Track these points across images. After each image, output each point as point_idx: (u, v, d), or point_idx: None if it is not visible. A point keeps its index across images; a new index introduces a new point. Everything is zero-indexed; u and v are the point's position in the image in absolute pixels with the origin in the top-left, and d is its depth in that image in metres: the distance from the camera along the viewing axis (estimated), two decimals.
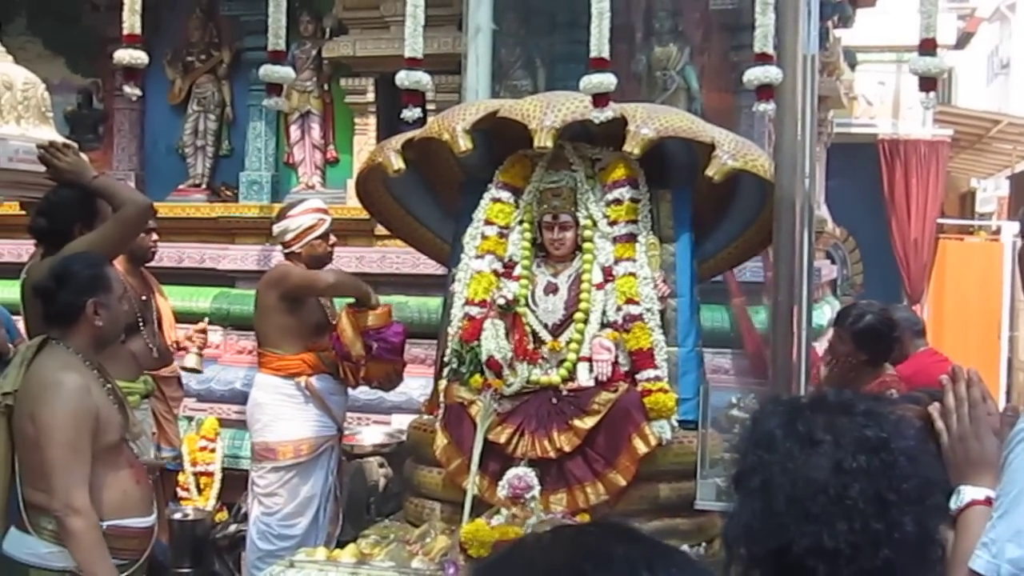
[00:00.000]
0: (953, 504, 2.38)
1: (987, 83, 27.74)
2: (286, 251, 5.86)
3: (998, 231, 15.53)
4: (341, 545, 4.88)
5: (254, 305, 5.87)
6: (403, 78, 4.43)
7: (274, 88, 4.51)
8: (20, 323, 5.21)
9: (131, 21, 4.40)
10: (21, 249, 7.56)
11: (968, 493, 2.36)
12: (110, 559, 3.80)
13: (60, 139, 5.24)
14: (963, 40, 20.97)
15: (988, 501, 2.31)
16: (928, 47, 3.72)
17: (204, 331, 6.52)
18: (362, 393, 6.38)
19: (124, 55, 4.38)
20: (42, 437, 3.77)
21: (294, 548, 5.15)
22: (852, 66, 13.34)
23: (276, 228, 5.88)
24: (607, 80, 3.91)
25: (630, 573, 1.18)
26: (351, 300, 5.79)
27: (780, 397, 2.07)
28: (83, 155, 5.05)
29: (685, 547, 4.16)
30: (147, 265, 6.39)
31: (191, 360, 6.37)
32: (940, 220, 14.53)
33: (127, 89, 4.52)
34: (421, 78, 4.46)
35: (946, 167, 14.69)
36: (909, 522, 1.85)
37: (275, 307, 5.68)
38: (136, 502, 4.01)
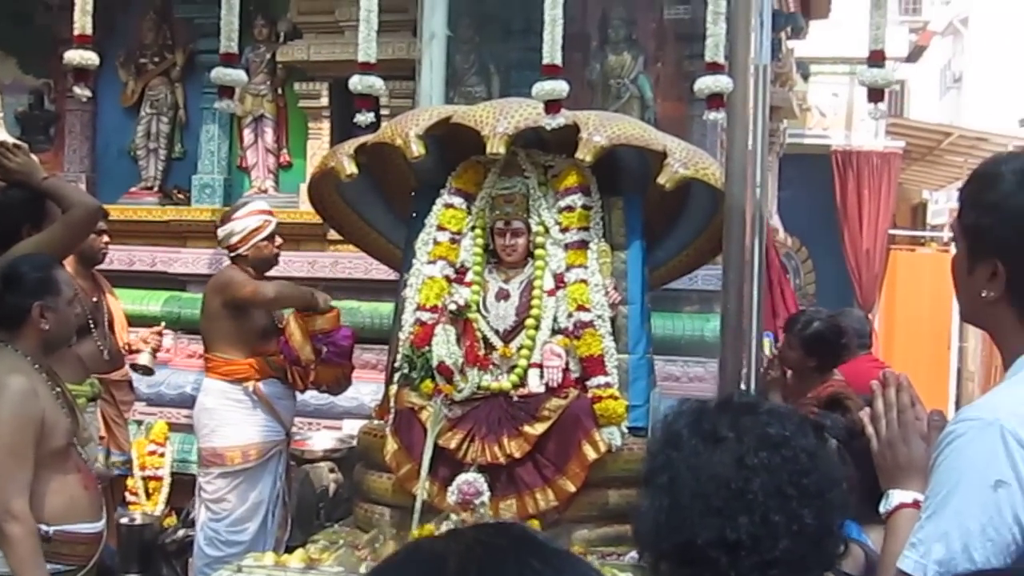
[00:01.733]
0: (882, 508, 2.43)
1: (940, 96, 28.06)
2: (232, 254, 5.82)
3: (949, 243, 15.67)
4: (290, 550, 4.85)
5: (200, 309, 5.83)
6: (356, 82, 4.42)
7: (226, 91, 4.48)
8: None
9: (82, 22, 4.35)
10: None
11: (896, 496, 2.40)
12: (45, 567, 3.75)
13: (10, 139, 5.19)
14: (916, 53, 21.19)
15: (916, 504, 2.33)
16: (877, 59, 3.76)
17: (160, 333, 6.48)
18: (313, 398, 6.36)
19: (74, 56, 4.34)
20: None
21: (242, 554, 5.12)
22: (805, 77, 13.48)
23: (221, 232, 5.84)
24: (559, 87, 3.92)
25: None
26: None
27: (690, 400, 2.11)
28: (34, 156, 4.99)
29: (634, 553, 4.17)
30: (98, 267, 6.33)
31: (144, 358, 6.31)
32: (892, 231, 14.67)
33: (77, 90, 4.47)
34: (374, 83, 4.45)
35: (898, 179, 14.82)
36: (808, 515, 1.92)
37: (219, 313, 5.66)
38: (84, 508, 3.97)
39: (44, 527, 3.79)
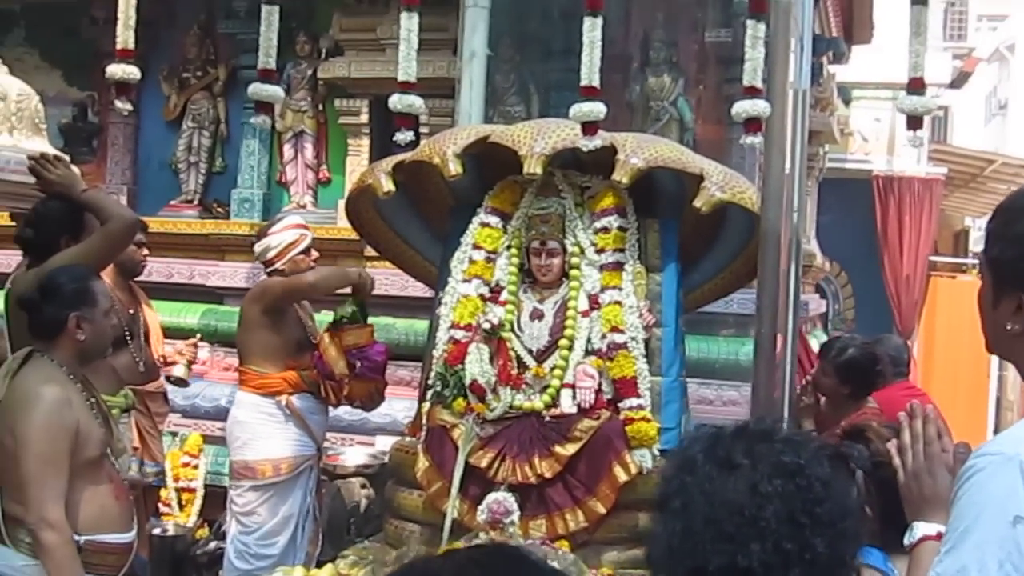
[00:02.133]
0: (906, 540, 2.44)
1: (985, 123, 27.87)
2: (269, 269, 5.85)
3: None
4: (320, 565, 4.86)
5: (237, 322, 5.85)
6: (396, 101, 4.45)
7: (263, 107, 4.51)
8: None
9: (124, 36, 4.39)
10: (9, 259, 7.54)
11: (920, 529, 2.41)
12: (82, 574, 3.79)
13: (52, 151, 5.25)
14: (960, 80, 21.06)
15: (939, 536, 2.32)
16: (916, 86, 3.74)
17: (196, 345, 6.52)
18: (346, 413, 6.38)
19: (116, 70, 4.38)
20: (19, 449, 3.76)
21: (271, 568, 5.13)
22: (846, 102, 13.40)
23: (258, 247, 5.87)
24: (596, 108, 3.92)
25: None
26: (334, 319, 5.77)
27: (707, 425, 2.11)
28: (76, 168, 5.04)
29: None
30: (136, 279, 6.38)
31: (179, 370, 6.35)
32: (932, 258, 14.56)
33: (118, 104, 4.50)
34: (414, 102, 4.47)
35: (940, 205, 14.72)
36: (820, 544, 1.91)
37: (258, 322, 5.65)
38: (115, 518, 3.99)
39: (76, 536, 3.81)
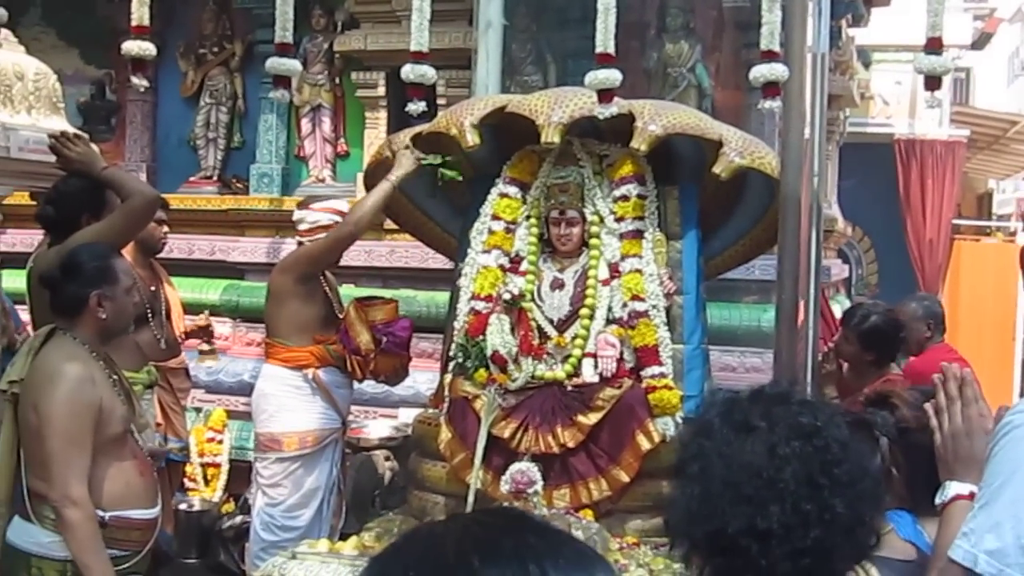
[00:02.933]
0: (938, 499, 2.46)
1: (1007, 84, 27.62)
2: (298, 239, 5.87)
3: (1014, 233, 15.47)
4: (344, 537, 4.88)
5: (266, 295, 5.84)
6: (408, 72, 4.44)
7: (281, 80, 4.51)
8: (24, 312, 5.21)
9: (140, 12, 4.40)
10: (32, 239, 7.57)
11: (953, 488, 2.42)
12: (104, 551, 3.80)
13: (71, 129, 5.25)
14: (982, 41, 20.85)
15: (972, 496, 2.35)
16: (934, 46, 3.71)
17: (207, 327, 6.54)
18: (369, 387, 6.38)
19: (132, 46, 4.39)
20: (43, 427, 3.78)
21: (297, 540, 5.15)
22: (866, 65, 13.28)
23: (296, 215, 5.91)
24: (612, 76, 3.91)
25: (518, 565, 1.18)
26: (359, 295, 5.75)
27: (724, 391, 2.11)
28: (94, 146, 5.05)
29: None
30: (157, 256, 6.40)
31: (208, 361, 6.47)
32: (956, 221, 14.47)
33: (135, 80, 4.52)
34: (426, 72, 4.46)
35: (962, 168, 14.61)
36: (839, 504, 1.91)
37: (291, 292, 5.59)
38: (139, 494, 4.01)
39: (100, 512, 3.83)
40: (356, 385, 5.94)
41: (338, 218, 5.76)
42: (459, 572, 1.17)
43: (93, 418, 3.82)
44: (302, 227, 5.79)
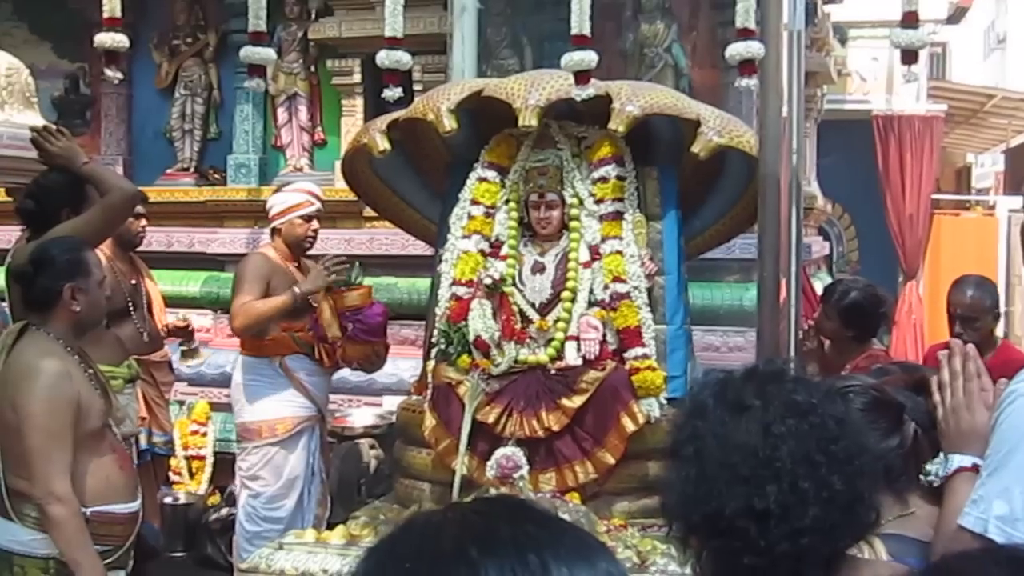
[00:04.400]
0: (941, 471, 2.47)
1: (984, 58, 27.67)
2: (269, 226, 5.88)
3: (994, 206, 15.51)
4: (331, 527, 4.87)
5: (231, 287, 5.84)
6: (383, 58, 4.41)
7: (256, 70, 4.47)
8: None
9: (111, 4, 4.36)
10: (10, 235, 7.53)
11: (956, 460, 2.43)
12: (92, 545, 3.79)
13: (45, 123, 5.22)
14: (957, 15, 20.87)
15: (974, 468, 2.37)
16: (910, 20, 3.70)
17: (186, 327, 6.50)
18: (352, 375, 6.37)
19: (105, 39, 4.35)
20: (22, 424, 3.75)
21: (281, 530, 5.15)
22: (842, 41, 13.30)
23: (269, 200, 5.95)
24: (588, 57, 3.88)
25: (516, 555, 1.16)
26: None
27: (716, 371, 2.08)
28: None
29: None
30: (137, 250, 6.36)
31: (192, 360, 6.45)
32: (935, 196, 14.49)
33: (108, 73, 4.47)
34: (401, 57, 4.44)
35: (941, 142, 14.63)
36: (838, 482, 1.89)
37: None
38: (120, 488, 3.99)
39: (82, 508, 3.81)
40: (340, 373, 5.92)
41: (308, 197, 5.80)
42: (457, 563, 1.16)
43: (72, 413, 3.80)
44: (272, 211, 5.80)
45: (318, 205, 5.89)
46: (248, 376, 5.67)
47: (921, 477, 2.58)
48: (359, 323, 5.58)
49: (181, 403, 7.63)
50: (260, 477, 5.60)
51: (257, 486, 5.61)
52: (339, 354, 5.61)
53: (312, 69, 8.53)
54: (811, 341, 5.66)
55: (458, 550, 1.17)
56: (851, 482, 1.90)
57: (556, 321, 4.65)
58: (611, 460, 4.46)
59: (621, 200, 4.73)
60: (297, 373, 5.63)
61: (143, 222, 6.23)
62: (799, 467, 1.88)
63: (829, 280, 9.83)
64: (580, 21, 3.86)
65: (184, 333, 6.45)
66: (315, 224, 5.89)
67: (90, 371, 4.04)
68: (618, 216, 4.71)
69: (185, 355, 6.52)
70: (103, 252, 5.38)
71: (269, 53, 4.52)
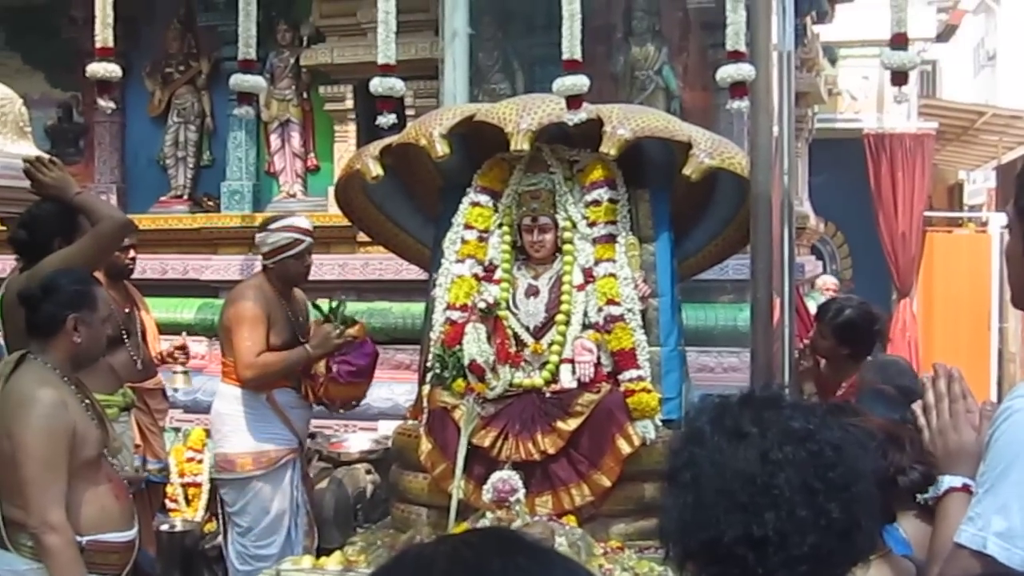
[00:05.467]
0: (932, 492, 2.48)
1: (974, 75, 27.80)
2: (263, 262, 5.78)
3: (986, 223, 15.55)
4: (328, 552, 4.86)
5: (220, 315, 5.80)
6: (377, 85, 4.43)
7: (245, 98, 4.50)
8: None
9: (104, 35, 4.38)
10: (4, 264, 7.54)
11: (946, 481, 2.44)
12: (87, 575, 3.78)
13: (38, 154, 5.23)
14: (947, 33, 20.98)
15: (965, 488, 2.38)
16: (899, 42, 3.73)
17: (183, 347, 6.49)
18: None
19: (98, 68, 4.38)
20: (18, 454, 3.75)
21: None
22: (832, 61, 13.35)
23: (257, 237, 5.77)
24: (579, 82, 3.91)
25: None
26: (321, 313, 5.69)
27: (713, 396, 2.08)
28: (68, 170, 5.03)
29: None
30: (130, 278, 6.36)
31: (179, 381, 6.41)
32: (928, 213, 14.54)
33: (101, 102, 4.51)
34: (395, 84, 4.46)
35: (932, 160, 14.68)
36: (835, 509, 1.88)
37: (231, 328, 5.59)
38: (116, 517, 3.99)
39: (78, 538, 3.81)
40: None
41: (299, 236, 5.64)
42: None
43: (68, 443, 3.79)
44: (264, 249, 5.67)
45: (309, 241, 5.73)
46: (232, 406, 5.58)
47: (918, 496, 2.60)
48: (345, 363, 5.52)
49: (177, 430, 7.61)
50: (246, 512, 5.53)
51: (244, 522, 5.56)
52: (321, 392, 5.57)
53: (304, 95, 8.56)
54: (807, 360, 5.67)
55: None
56: (848, 509, 1.89)
57: (551, 344, 4.65)
58: (607, 482, 4.45)
59: (614, 223, 4.75)
60: (282, 406, 5.58)
61: (131, 253, 6.21)
62: (797, 495, 1.87)
63: (822, 299, 9.85)
64: (571, 46, 3.89)
65: (181, 352, 6.42)
66: (309, 260, 5.78)
67: (87, 401, 4.04)
68: (611, 239, 4.73)
69: (175, 374, 6.50)
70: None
71: (259, 81, 4.54)
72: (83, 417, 3.92)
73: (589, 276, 4.72)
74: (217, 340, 8.01)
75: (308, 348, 5.46)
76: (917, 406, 2.54)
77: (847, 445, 1.96)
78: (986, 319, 13.81)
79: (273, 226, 5.71)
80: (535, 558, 1.22)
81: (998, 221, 14.40)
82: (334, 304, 5.67)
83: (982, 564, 2.19)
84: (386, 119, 4.55)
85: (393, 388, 6.24)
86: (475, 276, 4.83)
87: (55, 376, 3.93)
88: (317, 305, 5.72)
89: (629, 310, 4.61)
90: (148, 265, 7.96)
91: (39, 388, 3.84)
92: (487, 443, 4.50)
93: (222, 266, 8.41)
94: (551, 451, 4.45)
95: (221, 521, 5.82)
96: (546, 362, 4.64)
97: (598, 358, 4.59)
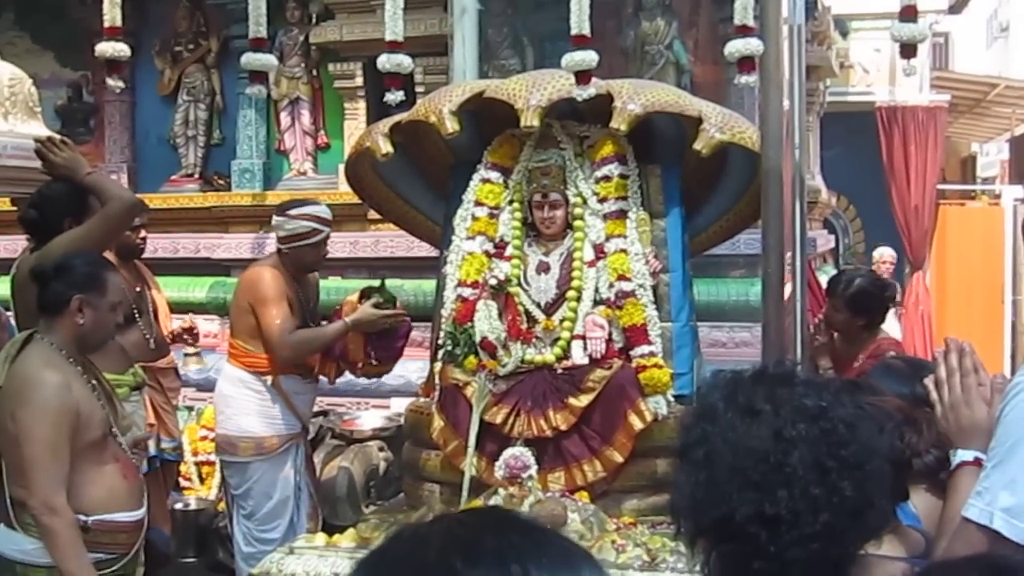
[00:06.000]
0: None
1: (987, 47, 27.61)
2: (278, 245, 5.70)
3: (999, 195, 15.48)
4: (341, 530, 4.87)
5: (233, 293, 5.77)
6: (384, 61, 4.43)
7: (257, 76, 4.49)
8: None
9: (112, 14, 4.37)
10: (15, 244, 7.56)
11: (958, 455, 2.44)
12: (86, 556, 3.79)
13: (49, 134, 5.22)
14: (960, 4, 20.83)
15: (977, 462, 2.38)
16: (909, 14, 3.71)
17: (191, 329, 6.46)
18: (360, 378, 6.36)
19: (106, 48, 4.37)
20: (21, 435, 3.77)
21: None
22: (844, 34, 13.28)
23: (274, 220, 5.66)
24: (588, 57, 3.89)
25: (499, 566, 1.18)
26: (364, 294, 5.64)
27: (725, 371, 2.07)
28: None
29: None
30: (142, 257, 6.37)
31: (192, 364, 6.42)
32: (940, 186, 14.47)
33: (110, 82, 4.50)
34: (402, 61, 4.45)
35: (945, 133, 14.60)
36: (848, 487, 1.87)
37: (246, 309, 5.52)
38: (124, 497, 4.00)
39: (84, 517, 3.83)
40: (347, 376, 5.88)
41: (317, 225, 5.53)
42: (442, 574, 1.17)
43: (70, 424, 3.80)
44: (280, 233, 5.59)
45: (327, 231, 5.63)
46: (237, 388, 5.54)
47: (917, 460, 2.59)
48: (382, 349, 5.52)
49: (190, 409, 7.63)
50: (250, 497, 5.53)
51: (248, 505, 5.55)
52: (356, 370, 5.57)
53: (314, 73, 8.55)
54: (822, 335, 5.66)
55: (442, 561, 1.19)
56: (861, 487, 1.88)
57: (562, 320, 4.66)
58: (619, 458, 4.46)
59: (624, 198, 4.74)
60: (287, 391, 5.57)
61: (142, 233, 6.20)
62: (810, 472, 1.86)
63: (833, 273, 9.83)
64: (580, 21, 3.87)
65: (189, 334, 6.42)
66: (324, 250, 5.69)
67: (93, 381, 4.04)
68: (622, 214, 4.72)
69: (187, 356, 6.51)
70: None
71: (270, 59, 4.52)
72: (88, 398, 3.92)
73: (600, 252, 4.71)
74: (228, 318, 8.07)
75: (347, 322, 5.39)
76: (929, 380, 2.54)
77: (860, 423, 1.94)
78: (999, 292, 13.77)
79: (292, 211, 5.58)
80: (529, 536, 1.23)
81: (1011, 193, 14.34)
82: (377, 285, 5.63)
83: (988, 539, 2.20)
84: (394, 96, 4.54)
85: (405, 365, 6.22)
86: (486, 253, 4.83)
87: (60, 357, 3.93)
88: (369, 286, 5.67)
89: (640, 286, 4.61)
90: (159, 244, 7.96)
91: (43, 370, 3.85)
92: (499, 420, 4.51)
93: (233, 244, 8.42)
94: (563, 427, 4.46)
95: (227, 502, 5.82)
96: (557, 338, 4.64)
97: (609, 334, 4.60)
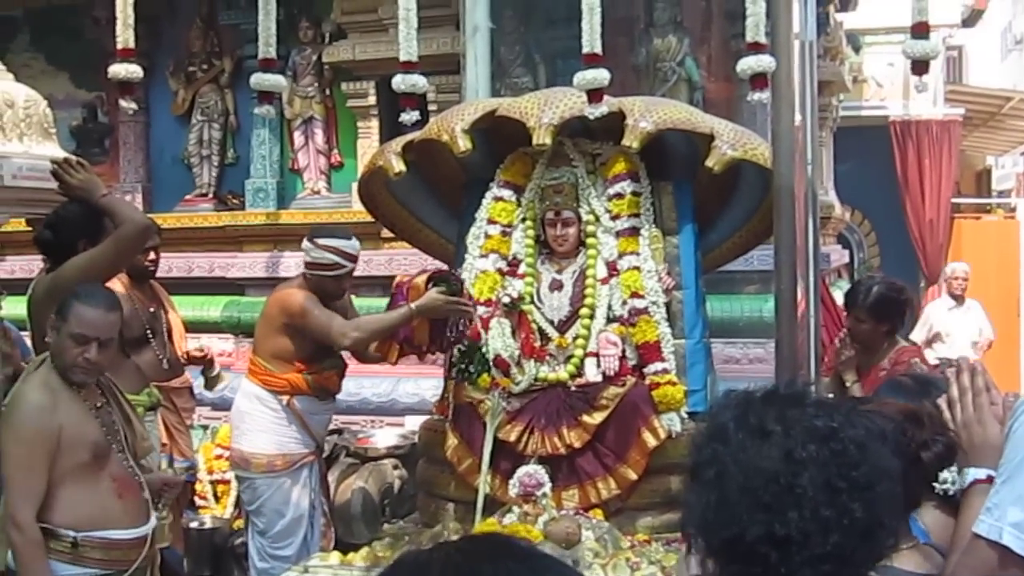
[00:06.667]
0: (956, 485, 2.49)
1: (1001, 59, 27.55)
2: (304, 270, 5.62)
3: (1015, 209, 15.44)
4: (356, 548, 4.87)
5: (261, 312, 5.77)
6: (399, 82, 4.43)
7: (266, 96, 4.51)
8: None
9: (125, 36, 4.40)
10: (32, 264, 7.59)
11: (971, 474, 2.44)
12: (48, 572, 3.84)
13: (65, 155, 5.24)
14: (973, 18, 20.78)
15: (990, 479, 2.37)
16: (921, 30, 3.71)
17: (203, 358, 6.43)
18: (374, 396, 6.38)
19: (119, 69, 4.40)
20: (2, 452, 3.88)
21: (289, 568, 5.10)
22: (856, 49, 13.26)
23: (304, 243, 5.61)
24: (600, 75, 3.90)
25: None
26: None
27: (736, 391, 2.07)
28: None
29: None
30: (156, 277, 6.38)
31: (219, 384, 6.42)
32: (955, 200, 14.45)
33: (123, 103, 4.53)
34: (417, 81, 4.46)
35: (959, 146, 14.58)
36: (858, 508, 1.86)
37: (277, 327, 5.50)
38: (117, 516, 4.02)
39: (73, 533, 3.87)
40: (361, 395, 5.89)
41: (340, 260, 5.48)
42: None
43: (47, 446, 3.84)
44: (306, 258, 5.56)
45: (349, 267, 5.56)
46: (253, 405, 5.55)
47: (936, 485, 2.59)
48: (457, 331, 5.33)
49: (205, 427, 7.65)
50: (262, 514, 5.54)
51: (261, 522, 5.57)
52: (421, 354, 5.35)
53: (327, 92, 8.58)
54: (848, 349, 5.64)
55: None
56: (871, 508, 1.88)
57: (575, 338, 4.66)
58: (633, 476, 4.46)
59: (637, 216, 4.75)
60: (302, 412, 5.56)
61: (152, 255, 6.18)
62: (820, 494, 1.85)
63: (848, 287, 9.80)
64: (591, 39, 3.88)
65: (203, 362, 6.40)
66: (345, 284, 5.64)
67: (100, 404, 4.06)
68: (634, 232, 4.73)
69: (209, 382, 6.50)
70: (120, 282, 5.41)
71: (279, 80, 4.54)
72: (79, 420, 3.95)
73: (613, 269, 4.72)
74: (243, 337, 8.08)
75: (413, 307, 5.27)
76: (942, 400, 2.54)
77: (871, 443, 1.94)
78: (1016, 305, 13.73)
79: (320, 241, 5.51)
80: (526, 563, 1.24)
81: None
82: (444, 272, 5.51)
83: (998, 555, 2.19)
84: (409, 116, 4.55)
85: (419, 383, 6.24)
86: (499, 271, 4.84)
87: (57, 379, 3.96)
88: (438, 271, 5.55)
89: (653, 303, 4.61)
90: (174, 264, 8.00)
91: (32, 391, 3.93)
92: (513, 437, 4.51)
93: (247, 263, 8.44)
94: (577, 445, 4.47)
95: (245, 517, 5.83)
96: (571, 356, 4.64)
97: (623, 351, 4.60)
